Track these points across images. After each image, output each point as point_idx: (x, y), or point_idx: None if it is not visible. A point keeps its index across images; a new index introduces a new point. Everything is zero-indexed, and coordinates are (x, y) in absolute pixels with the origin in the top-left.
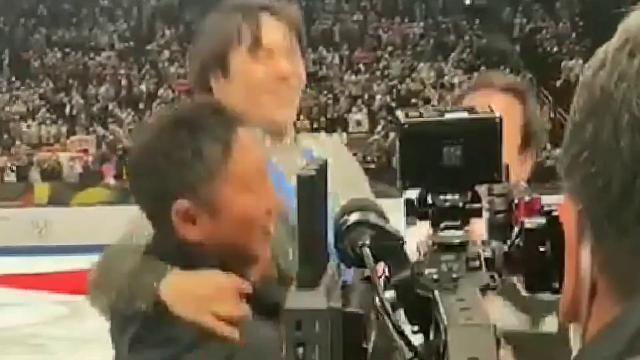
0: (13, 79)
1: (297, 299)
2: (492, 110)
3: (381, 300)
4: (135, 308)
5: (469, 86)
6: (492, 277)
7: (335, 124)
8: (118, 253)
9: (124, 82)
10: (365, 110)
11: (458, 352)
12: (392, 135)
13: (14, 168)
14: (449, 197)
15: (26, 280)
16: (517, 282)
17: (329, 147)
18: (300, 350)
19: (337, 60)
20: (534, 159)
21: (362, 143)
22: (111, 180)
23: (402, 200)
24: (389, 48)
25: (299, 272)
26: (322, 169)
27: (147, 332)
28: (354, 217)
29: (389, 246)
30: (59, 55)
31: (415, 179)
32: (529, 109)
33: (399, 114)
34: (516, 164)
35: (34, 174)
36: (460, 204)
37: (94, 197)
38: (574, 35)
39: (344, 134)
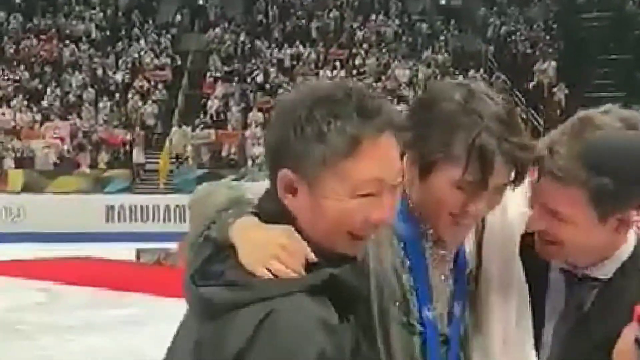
0: None
1: None
2: None
3: None
4: (210, 238)
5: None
6: None
7: None
8: (215, 188)
9: (99, 71)
10: None
11: None
12: None
13: None
14: None
15: (2, 266)
16: None
17: None
18: None
19: (313, 56)
20: None
21: None
22: (86, 170)
23: None
24: (365, 45)
25: None
26: None
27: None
28: None
29: None
30: (34, 42)
31: None
32: None
33: None
34: None
35: (8, 161)
36: None
37: (68, 185)
38: (547, 37)
39: None
